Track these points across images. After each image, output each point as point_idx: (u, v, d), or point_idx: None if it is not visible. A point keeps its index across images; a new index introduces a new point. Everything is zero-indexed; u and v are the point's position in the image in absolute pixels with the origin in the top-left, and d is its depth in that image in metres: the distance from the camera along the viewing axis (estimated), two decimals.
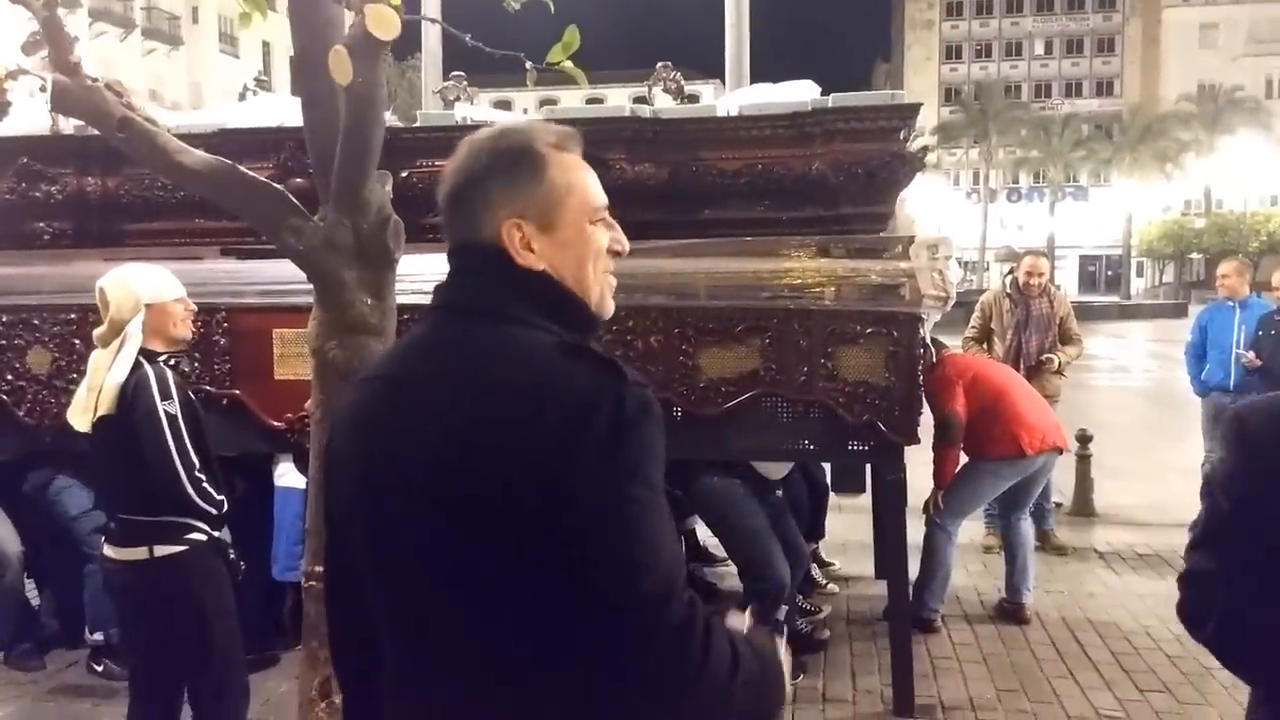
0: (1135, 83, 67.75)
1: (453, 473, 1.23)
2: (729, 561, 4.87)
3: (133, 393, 3.01)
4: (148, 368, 3.05)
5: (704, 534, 5.64)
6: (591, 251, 1.37)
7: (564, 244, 1.35)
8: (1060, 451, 5.13)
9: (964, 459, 5.05)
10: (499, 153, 1.35)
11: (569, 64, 2.40)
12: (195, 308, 3.35)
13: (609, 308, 1.41)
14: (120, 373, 3.01)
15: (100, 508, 3.15)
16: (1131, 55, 68.76)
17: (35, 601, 4.97)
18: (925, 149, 4.26)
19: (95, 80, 2.48)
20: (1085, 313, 34.70)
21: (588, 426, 1.18)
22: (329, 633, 1.52)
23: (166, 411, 3.03)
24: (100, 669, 4.53)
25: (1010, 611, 5.20)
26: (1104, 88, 70.07)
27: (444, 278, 1.38)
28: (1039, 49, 71.27)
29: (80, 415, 3.13)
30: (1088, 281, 66.11)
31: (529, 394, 1.22)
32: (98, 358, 3.12)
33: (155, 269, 3.28)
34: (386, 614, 1.35)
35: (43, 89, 3.74)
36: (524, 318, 1.31)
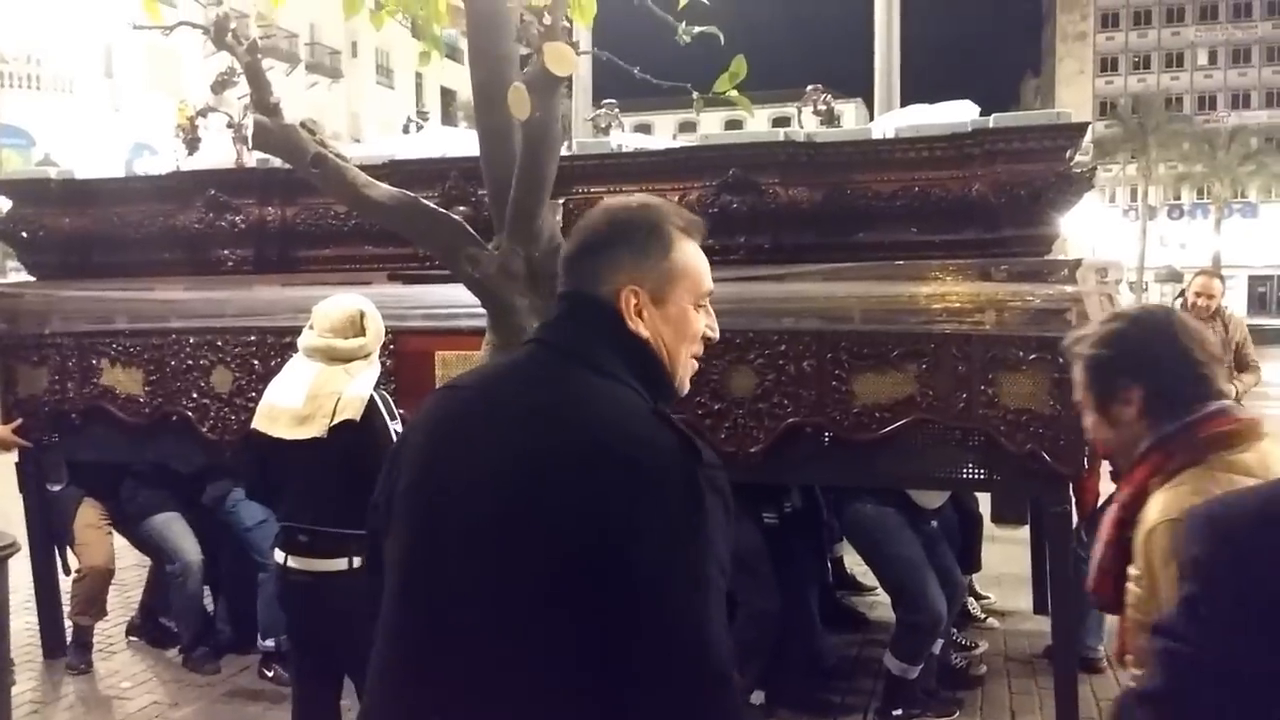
0: None
1: (525, 495, 1.28)
2: (878, 590, 4.77)
3: (369, 409, 3.25)
4: (374, 391, 3.31)
5: (852, 560, 5.55)
6: (690, 332, 1.49)
7: (669, 319, 1.46)
8: None
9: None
10: (634, 223, 1.47)
11: (735, 93, 2.42)
12: None
13: (686, 388, 1.51)
14: (365, 388, 3.27)
15: (288, 518, 3.34)
16: None
17: (211, 608, 5.26)
18: (1093, 168, 4.11)
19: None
20: (1257, 337, 32.56)
21: (662, 497, 1.25)
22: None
23: (395, 430, 3.27)
24: (270, 674, 4.76)
25: (1082, 661, 4.91)
26: (1275, 98, 66.09)
27: (555, 318, 1.48)
28: (1202, 59, 67.78)
29: (296, 424, 3.31)
30: (1257, 303, 62.20)
31: (617, 444, 1.29)
32: (325, 372, 3.32)
33: None
34: (410, 616, 1.37)
35: (230, 125, 4.01)
36: (618, 374, 1.39)
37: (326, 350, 3.32)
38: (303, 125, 2.47)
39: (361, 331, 3.37)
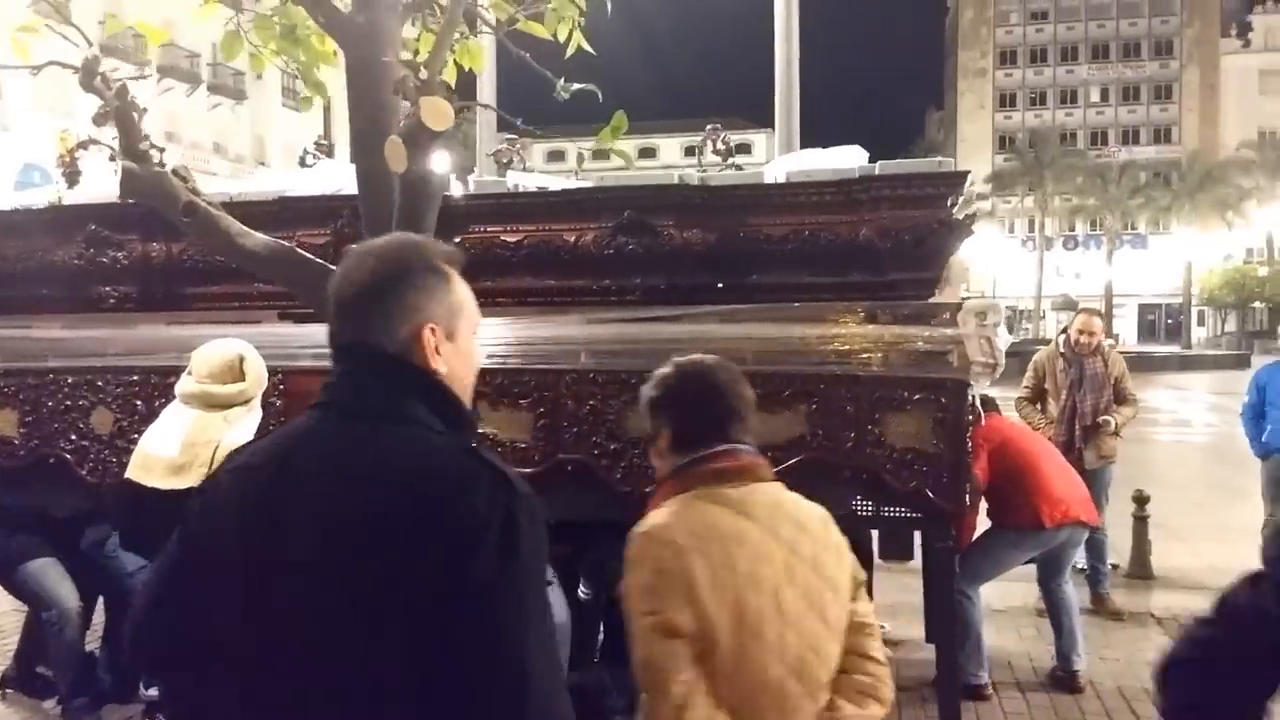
0: (1194, 130, 66.93)
1: (344, 568, 1.27)
2: None
3: None
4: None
5: None
6: (474, 362, 1.52)
7: (459, 353, 1.47)
8: (1085, 526, 5.03)
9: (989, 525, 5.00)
10: (411, 262, 1.46)
11: (618, 146, 2.45)
12: None
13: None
14: (246, 435, 3.19)
15: None
16: (1190, 102, 68.02)
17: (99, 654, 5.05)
18: (972, 215, 4.25)
19: (162, 166, 2.59)
20: (1145, 363, 34.17)
21: (481, 538, 1.26)
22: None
23: None
24: None
25: (1063, 680, 5.08)
26: (1162, 135, 69.32)
27: (339, 376, 1.44)
28: (1094, 96, 70.81)
29: (170, 473, 3.21)
30: (1147, 330, 64.98)
31: (427, 500, 1.29)
32: (204, 419, 3.23)
33: None
34: (253, 700, 1.34)
35: (112, 158, 3.89)
36: (418, 419, 1.39)
37: (203, 396, 3.24)
38: (174, 172, 2.41)
39: (240, 377, 3.30)
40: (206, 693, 1.40)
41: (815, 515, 1.98)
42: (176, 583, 1.46)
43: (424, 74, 2.05)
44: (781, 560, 1.86)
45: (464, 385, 1.48)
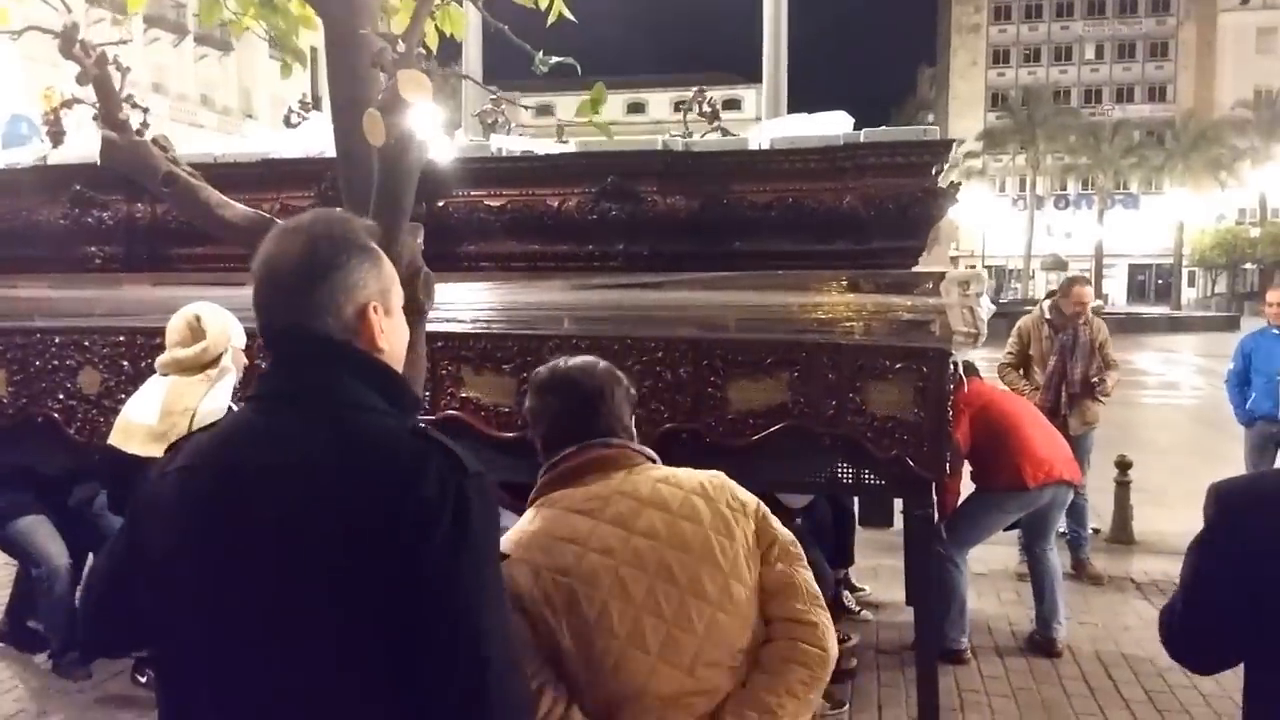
0: (1189, 88, 66.60)
1: (298, 561, 1.26)
2: None
3: None
4: (233, 403, 3.23)
5: None
6: (406, 336, 1.50)
7: (395, 329, 1.45)
8: (1070, 485, 5.09)
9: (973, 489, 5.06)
10: (344, 239, 1.41)
11: (598, 118, 2.45)
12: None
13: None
14: (222, 400, 3.18)
15: None
16: (1186, 60, 67.62)
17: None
18: (957, 184, 4.26)
19: (146, 126, 2.59)
20: (1133, 324, 34.22)
21: (433, 521, 1.25)
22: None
23: None
24: (144, 680, 4.65)
25: (1041, 645, 5.17)
26: (1156, 93, 68.99)
27: (275, 365, 1.40)
28: (1089, 54, 70.31)
29: (149, 440, 3.23)
30: (1137, 291, 65.14)
31: (378, 483, 1.27)
32: (179, 384, 3.24)
33: (231, 314, 3.50)
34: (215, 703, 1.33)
35: (96, 118, 3.87)
36: (361, 402, 1.36)
37: (172, 363, 3.27)
38: (154, 142, 2.41)
39: (201, 335, 3.30)
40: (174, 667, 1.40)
41: (686, 488, 1.90)
42: (123, 581, 1.44)
43: (401, 46, 2.05)
44: (624, 546, 1.81)
45: (400, 360, 1.46)
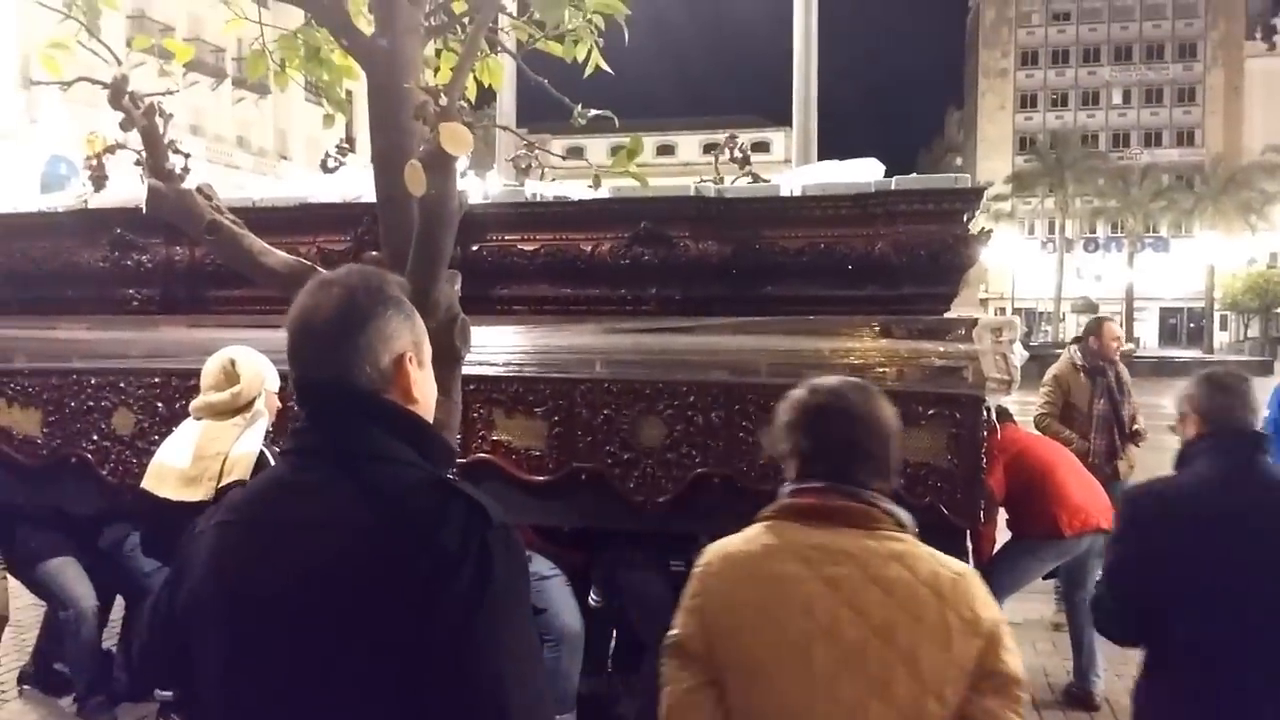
0: (1218, 133, 66.35)
1: (325, 617, 1.26)
2: None
3: (259, 468, 3.20)
4: (264, 447, 3.24)
5: None
6: (435, 390, 1.50)
7: (427, 381, 1.46)
8: (1108, 533, 5.01)
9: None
10: (379, 291, 1.42)
11: (633, 169, 2.48)
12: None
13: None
14: (254, 444, 3.21)
15: None
16: (1213, 105, 67.43)
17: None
18: (989, 231, 4.25)
19: (187, 171, 2.63)
20: (1166, 368, 33.74)
21: (454, 574, 1.24)
22: None
23: None
24: None
25: (1078, 697, 5.07)
26: (1185, 138, 68.77)
27: (309, 420, 1.40)
28: (1116, 99, 70.29)
29: (183, 485, 3.25)
30: (1168, 334, 64.53)
31: (400, 537, 1.26)
32: (212, 428, 3.27)
33: (265, 358, 3.52)
34: None
35: (138, 162, 3.95)
36: (391, 455, 1.35)
37: (205, 407, 3.30)
38: (199, 190, 2.46)
39: (235, 380, 3.33)
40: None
41: (920, 576, 1.74)
42: (165, 628, 1.46)
43: (444, 100, 2.08)
44: (828, 614, 1.70)
45: (430, 412, 1.47)
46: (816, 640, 1.69)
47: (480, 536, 1.27)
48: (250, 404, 3.36)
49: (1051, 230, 62.68)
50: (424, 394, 1.45)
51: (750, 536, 1.85)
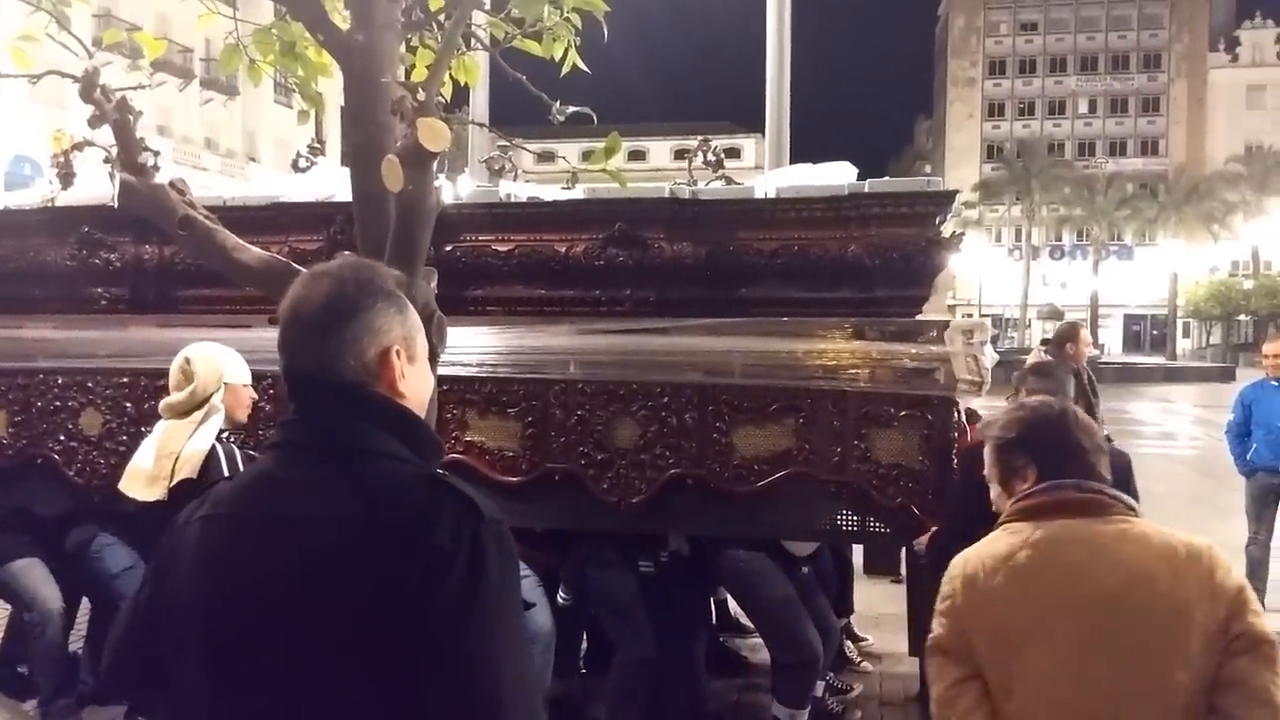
0: (1181, 143, 67.33)
1: (313, 613, 1.24)
2: None
3: (207, 464, 3.17)
4: (216, 444, 3.21)
5: (736, 605, 5.62)
6: (430, 383, 1.49)
7: (418, 375, 1.44)
8: None
9: None
10: (369, 284, 1.41)
11: (611, 166, 2.48)
12: (254, 396, 3.55)
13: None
14: (204, 441, 3.19)
15: None
16: (1177, 115, 68.41)
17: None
18: (960, 234, 4.30)
19: (157, 169, 2.61)
20: (1130, 374, 34.28)
21: (446, 570, 1.23)
22: None
23: None
24: None
25: None
26: (1149, 147, 69.69)
27: (297, 412, 1.39)
28: (1083, 108, 71.15)
29: (146, 485, 3.24)
30: (1132, 341, 65.32)
31: (391, 533, 1.25)
32: (172, 427, 3.26)
33: (231, 351, 3.49)
34: None
35: (106, 160, 3.91)
36: (380, 449, 1.34)
37: (168, 408, 3.29)
38: (171, 185, 2.43)
39: (191, 378, 3.32)
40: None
41: (1155, 551, 1.86)
42: (144, 628, 1.43)
43: (421, 95, 2.08)
44: (1071, 596, 1.83)
45: (423, 407, 1.45)
46: (1062, 622, 1.81)
47: (472, 532, 1.25)
48: (206, 400, 3.33)
49: (1018, 238, 63.33)
50: (413, 389, 1.42)
51: (992, 538, 1.98)
